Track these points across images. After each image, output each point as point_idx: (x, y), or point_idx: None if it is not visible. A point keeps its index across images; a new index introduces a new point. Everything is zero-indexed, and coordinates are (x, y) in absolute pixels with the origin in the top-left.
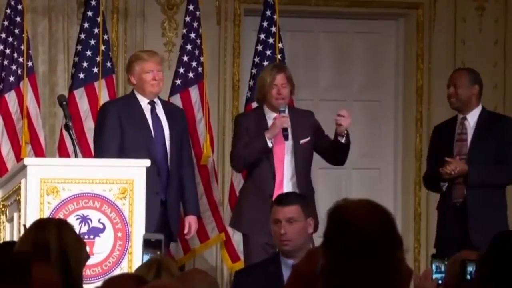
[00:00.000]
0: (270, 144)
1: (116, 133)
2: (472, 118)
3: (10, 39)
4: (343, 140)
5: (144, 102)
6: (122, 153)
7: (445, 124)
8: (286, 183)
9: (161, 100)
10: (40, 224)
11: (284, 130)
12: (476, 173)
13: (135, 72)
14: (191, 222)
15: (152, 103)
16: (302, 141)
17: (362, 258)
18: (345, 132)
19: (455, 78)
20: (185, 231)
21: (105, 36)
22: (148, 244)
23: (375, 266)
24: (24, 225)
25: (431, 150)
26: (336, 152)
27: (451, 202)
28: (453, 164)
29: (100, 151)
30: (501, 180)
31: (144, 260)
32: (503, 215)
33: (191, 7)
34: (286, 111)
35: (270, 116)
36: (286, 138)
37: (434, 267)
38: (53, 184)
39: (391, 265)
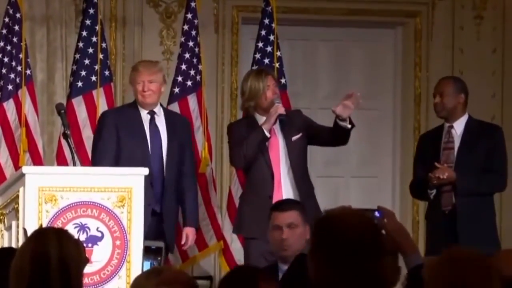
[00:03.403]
0: (268, 134)
1: (111, 142)
2: (458, 126)
3: (9, 48)
4: (347, 123)
5: (143, 112)
6: (117, 163)
7: (431, 133)
8: (283, 180)
9: (166, 110)
10: (40, 233)
11: (280, 115)
12: (464, 180)
13: (131, 82)
14: (188, 233)
15: (151, 113)
16: (294, 138)
17: (347, 266)
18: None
19: (441, 87)
20: (182, 242)
21: (103, 45)
22: (148, 251)
23: (360, 274)
24: (24, 229)
25: (417, 158)
26: (338, 136)
27: (440, 210)
28: (441, 169)
29: (95, 160)
30: (488, 188)
31: (145, 267)
32: (492, 222)
33: (189, 16)
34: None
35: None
36: (282, 123)
37: None
38: (51, 192)
39: (376, 272)
